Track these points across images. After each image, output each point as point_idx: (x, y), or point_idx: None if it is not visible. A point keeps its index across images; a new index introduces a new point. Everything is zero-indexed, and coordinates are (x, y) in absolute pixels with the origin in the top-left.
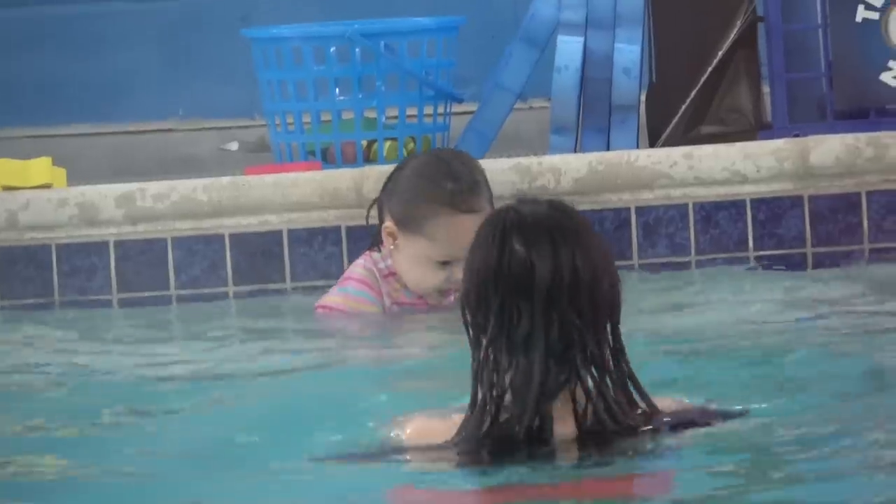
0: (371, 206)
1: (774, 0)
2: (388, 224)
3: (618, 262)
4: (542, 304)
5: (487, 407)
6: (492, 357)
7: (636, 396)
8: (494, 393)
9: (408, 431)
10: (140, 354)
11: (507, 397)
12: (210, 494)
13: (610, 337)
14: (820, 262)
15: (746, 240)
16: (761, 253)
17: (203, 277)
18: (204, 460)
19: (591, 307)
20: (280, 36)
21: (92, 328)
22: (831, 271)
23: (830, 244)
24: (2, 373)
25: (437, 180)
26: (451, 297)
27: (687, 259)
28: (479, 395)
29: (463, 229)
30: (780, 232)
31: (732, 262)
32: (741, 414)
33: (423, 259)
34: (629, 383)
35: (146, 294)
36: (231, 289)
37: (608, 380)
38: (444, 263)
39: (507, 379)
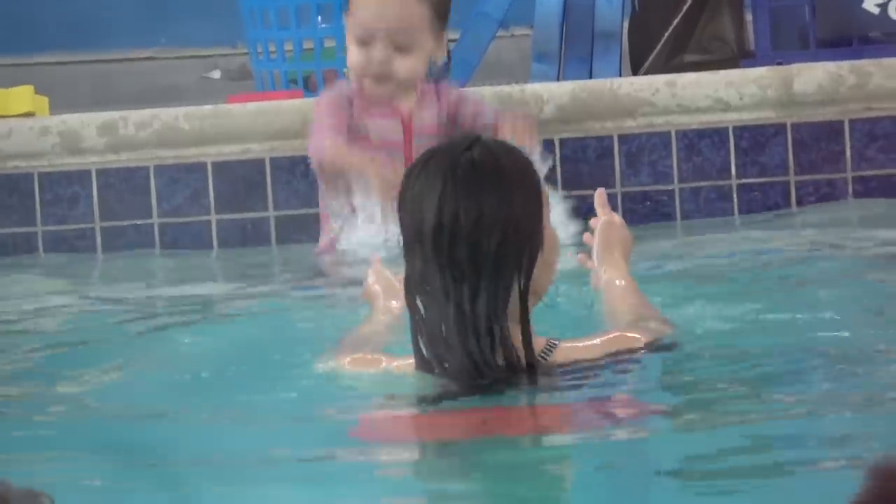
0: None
1: None
2: (344, 13)
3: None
4: (430, 247)
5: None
6: (411, 298)
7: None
8: (419, 338)
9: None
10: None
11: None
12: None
13: (488, 297)
14: (803, 190)
15: (729, 168)
16: (744, 181)
17: (185, 206)
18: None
19: (470, 259)
20: None
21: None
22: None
23: (813, 172)
24: None
25: None
26: (386, 88)
27: (670, 188)
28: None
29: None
30: (763, 160)
31: (715, 191)
32: (669, 346)
33: (349, 41)
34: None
35: (128, 223)
36: (213, 217)
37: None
38: (365, 44)
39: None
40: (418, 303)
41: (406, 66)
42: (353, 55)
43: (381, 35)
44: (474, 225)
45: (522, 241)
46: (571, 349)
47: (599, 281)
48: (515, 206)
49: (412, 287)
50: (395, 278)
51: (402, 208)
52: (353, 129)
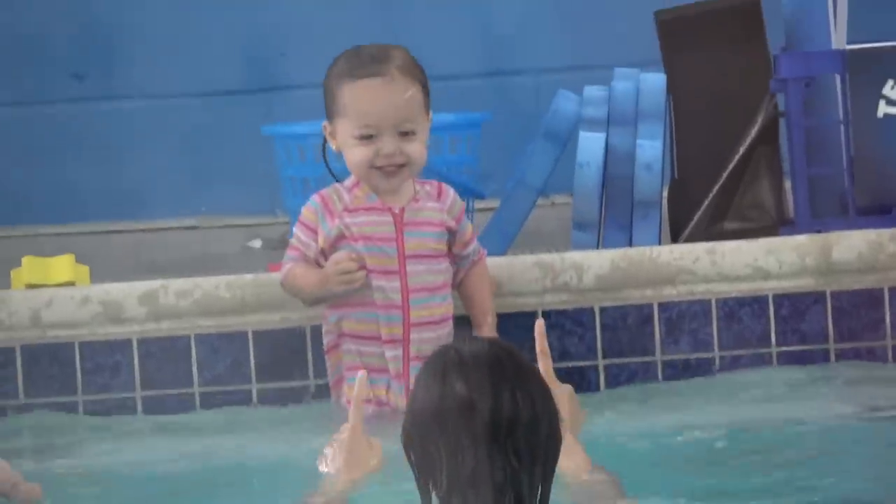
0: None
1: (796, 96)
2: (325, 122)
3: (641, 359)
4: (484, 442)
5: None
6: (440, 499)
7: None
8: None
9: None
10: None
11: None
12: None
13: (540, 483)
14: (843, 359)
15: (769, 336)
16: (784, 349)
17: (226, 374)
18: None
19: (528, 449)
20: (301, 133)
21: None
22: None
23: (853, 340)
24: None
25: (338, 63)
26: (397, 179)
27: (710, 355)
28: None
29: (366, 94)
30: (803, 328)
31: (755, 359)
32: None
33: (350, 141)
34: None
35: (169, 392)
36: (254, 386)
37: None
38: (368, 138)
39: None
40: None
41: (415, 150)
42: (357, 153)
43: (388, 126)
44: (531, 412)
45: (557, 422)
46: None
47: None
48: (545, 388)
49: (451, 495)
50: (372, 444)
51: (431, 419)
52: (343, 228)
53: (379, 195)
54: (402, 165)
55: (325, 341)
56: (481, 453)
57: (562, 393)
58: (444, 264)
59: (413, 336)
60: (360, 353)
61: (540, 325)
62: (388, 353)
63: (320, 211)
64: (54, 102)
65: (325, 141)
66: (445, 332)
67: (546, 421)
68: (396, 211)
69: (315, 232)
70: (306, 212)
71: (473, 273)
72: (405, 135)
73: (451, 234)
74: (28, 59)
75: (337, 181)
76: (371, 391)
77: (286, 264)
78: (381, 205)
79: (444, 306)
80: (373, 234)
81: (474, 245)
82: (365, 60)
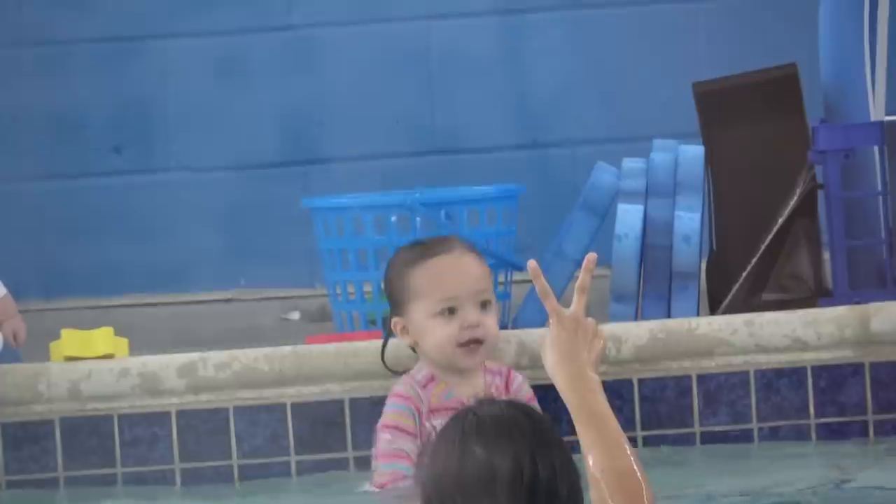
0: (388, 324)
1: (834, 168)
2: (394, 319)
3: (679, 430)
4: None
5: None
6: None
7: None
8: None
9: None
10: None
11: None
12: None
13: None
14: (882, 430)
15: (807, 407)
16: (822, 420)
17: (265, 447)
18: None
19: None
20: (340, 205)
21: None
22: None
23: (892, 412)
24: None
25: (398, 257)
26: (478, 356)
27: (749, 427)
28: None
29: (441, 269)
30: (842, 399)
31: (794, 430)
32: None
33: (427, 322)
34: None
35: (208, 464)
36: (293, 458)
37: None
38: (450, 312)
39: None
40: None
41: (493, 323)
42: (440, 331)
43: (469, 296)
44: (551, 475)
45: (578, 484)
46: None
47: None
48: (566, 450)
49: None
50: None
51: (457, 480)
52: (424, 431)
53: (459, 375)
54: (481, 342)
55: None
56: None
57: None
58: None
59: None
60: None
61: (592, 257)
62: None
63: (415, 414)
64: (93, 176)
65: (385, 340)
66: None
67: (566, 483)
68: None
69: (416, 436)
70: (400, 418)
71: None
72: (484, 306)
73: None
74: (67, 133)
75: (395, 372)
76: None
77: (389, 475)
78: (456, 403)
79: None
80: None
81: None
82: (430, 244)
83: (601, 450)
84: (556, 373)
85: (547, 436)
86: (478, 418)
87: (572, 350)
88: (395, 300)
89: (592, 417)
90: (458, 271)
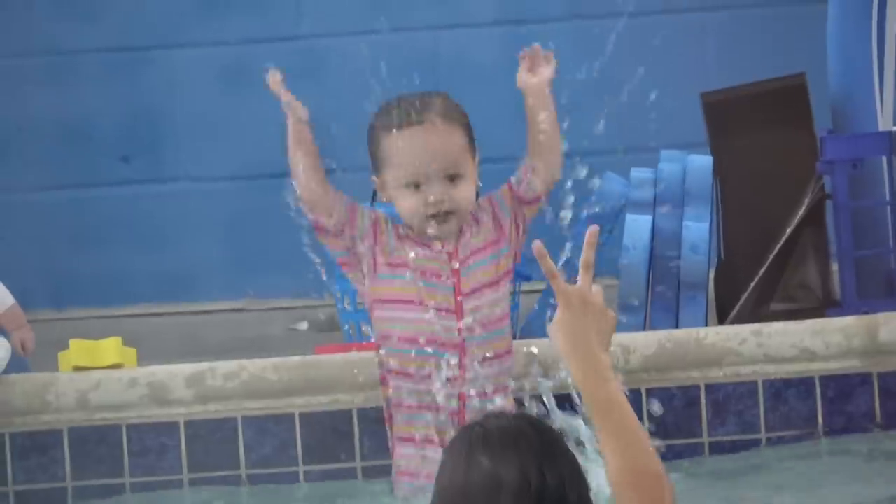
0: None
1: (842, 177)
2: (373, 177)
3: (687, 440)
4: None
5: None
6: None
7: None
8: None
9: None
10: None
11: None
12: None
13: None
14: (889, 440)
15: (816, 417)
16: (830, 430)
17: (273, 457)
18: None
19: None
20: None
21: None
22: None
23: None
24: None
25: (379, 115)
26: (448, 225)
27: (757, 437)
28: None
29: (409, 143)
30: (850, 409)
31: (802, 440)
32: None
33: (399, 191)
34: None
35: (216, 474)
36: (301, 468)
37: None
38: (416, 186)
39: None
40: None
41: (463, 195)
42: (407, 203)
43: (434, 173)
44: (559, 486)
45: (587, 494)
46: None
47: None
48: (573, 460)
49: None
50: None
51: (458, 494)
52: (396, 249)
53: (434, 238)
54: (451, 213)
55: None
56: None
57: (590, 294)
58: (502, 291)
59: (468, 375)
60: (407, 390)
61: (594, 230)
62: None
63: (368, 217)
64: (102, 186)
65: (374, 193)
66: (506, 367)
67: (575, 493)
68: (451, 250)
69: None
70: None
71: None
72: (452, 179)
73: (516, 195)
74: (75, 143)
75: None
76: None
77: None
78: (434, 243)
79: (502, 340)
80: (427, 269)
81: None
82: (405, 110)
83: (618, 445)
84: (567, 358)
85: (554, 446)
86: (484, 430)
87: (581, 332)
88: (372, 159)
89: (608, 406)
90: (426, 145)
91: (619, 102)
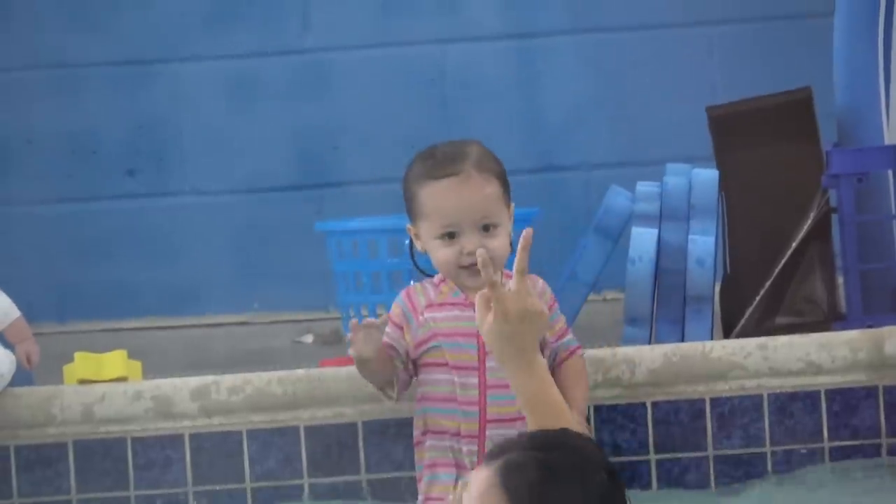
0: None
1: (847, 192)
2: (409, 225)
3: (693, 454)
4: None
5: None
6: None
7: None
8: None
9: None
10: None
11: None
12: None
13: None
14: (895, 452)
15: (821, 431)
16: (836, 444)
17: (278, 470)
18: None
19: None
20: (355, 229)
21: None
22: None
23: None
24: None
25: (414, 165)
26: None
27: (762, 450)
28: None
29: (444, 194)
30: (855, 423)
31: (807, 454)
32: None
33: (433, 242)
34: None
35: (221, 487)
36: (306, 481)
37: None
38: (450, 237)
39: None
40: None
41: (498, 245)
42: (442, 253)
43: (469, 224)
44: None
45: None
46: None
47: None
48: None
49: None
50: None
51: None
52: (423, 323)
53: (466, 293)
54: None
55: (413, 434)
56: None
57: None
58: None
59: (489, 433)
60: (440, 448)
61: (528, 233)
62: (465, 448)
63: (406, 308)
64: (107, 199)
65: (411, 241)
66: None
67: None
68: None
69: (401, 328)
70: (394, 307)
71: (566, 366)
72: (487, 230)
73: (547, 344)
74: (81, 156)
75: (427, 275)
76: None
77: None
78: (464, 300)
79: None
80: (454, 330)
81: (568, 337)
82: (440, 160)
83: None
84: (501, 363)
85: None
86: (539, 467)
87: (518, 339)
88: (408, 208)
89: (536, 400)
90: (461, 196)
91: (624, 116)
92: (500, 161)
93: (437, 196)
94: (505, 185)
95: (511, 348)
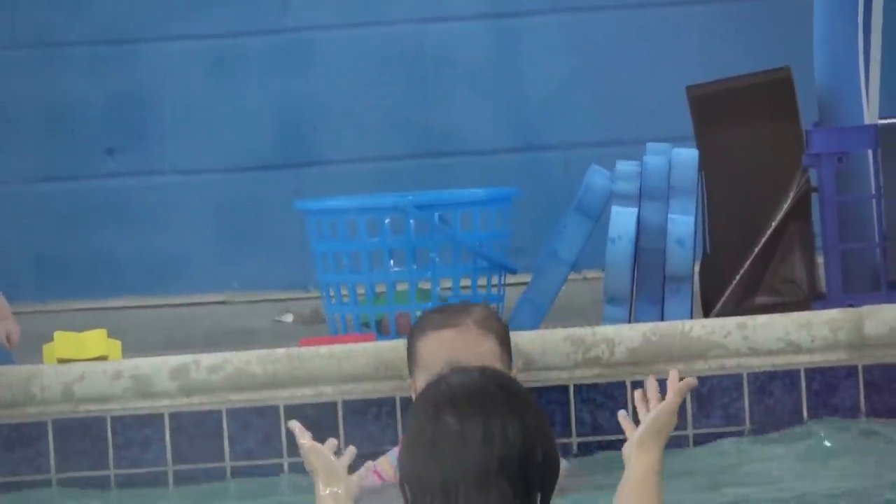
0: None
1: (828, 171)
2: (409, 379)
3: (673, 433)
4: (476, 477)
5: None
6: None
7: None
8: None
9: None
10: None
11: None
12: None
13: None
14: (875, 432)
15: (801, 410)
16: (816, 423)
17: (258, 450)
18: None
19: (523, 478)
20: (334, 208)
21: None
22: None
23: (886, 415)
24: None
25: (420, 319)
26: None
27: (741, 429)
28: None
29: (437, 345)
30: (835, 402)
31: (787, 433)
32: None
33: None
34: None
35: (201, 466)
36: (286, 460)
37: None
38: None
39: None
40: None
41: None
42: None
43: None
44: (524, 442)
45: (553, 449)
46: None
47: (632, 457)
48: (540, 415)
49: None
50: (335, 459)
51: (424, 453)
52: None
53: None
54: None
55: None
56: (474, 486)
57: (673, 409)
58: None
59: None
60: None
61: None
62: None
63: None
64: (87, 177)
65: (411, 399)
66: None
67: (540, 449)
68: None
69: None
70: (385, 464)
71: None
72: None
73: None
74: (61, 135)
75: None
76: None
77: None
78: None
79: None
80: None
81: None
82: (443, 313)
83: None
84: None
85: (519, 402)
86: (450, 388)
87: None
88: (408, 361)
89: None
90: (454, 347)
91: (604, 96)
92: (504, 324)
93: (432, 347)
94: (506, 347)
95: (662, 437)
